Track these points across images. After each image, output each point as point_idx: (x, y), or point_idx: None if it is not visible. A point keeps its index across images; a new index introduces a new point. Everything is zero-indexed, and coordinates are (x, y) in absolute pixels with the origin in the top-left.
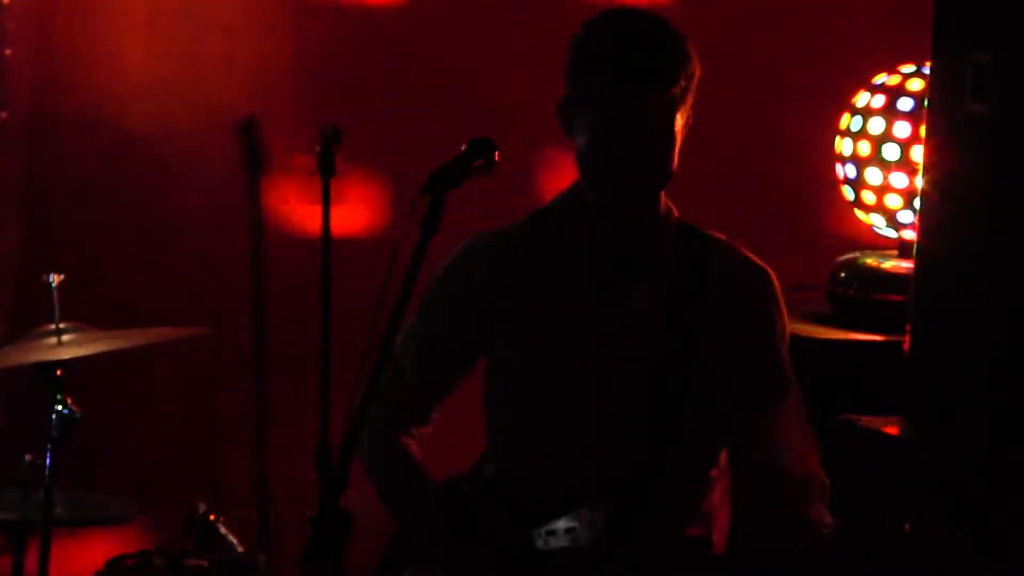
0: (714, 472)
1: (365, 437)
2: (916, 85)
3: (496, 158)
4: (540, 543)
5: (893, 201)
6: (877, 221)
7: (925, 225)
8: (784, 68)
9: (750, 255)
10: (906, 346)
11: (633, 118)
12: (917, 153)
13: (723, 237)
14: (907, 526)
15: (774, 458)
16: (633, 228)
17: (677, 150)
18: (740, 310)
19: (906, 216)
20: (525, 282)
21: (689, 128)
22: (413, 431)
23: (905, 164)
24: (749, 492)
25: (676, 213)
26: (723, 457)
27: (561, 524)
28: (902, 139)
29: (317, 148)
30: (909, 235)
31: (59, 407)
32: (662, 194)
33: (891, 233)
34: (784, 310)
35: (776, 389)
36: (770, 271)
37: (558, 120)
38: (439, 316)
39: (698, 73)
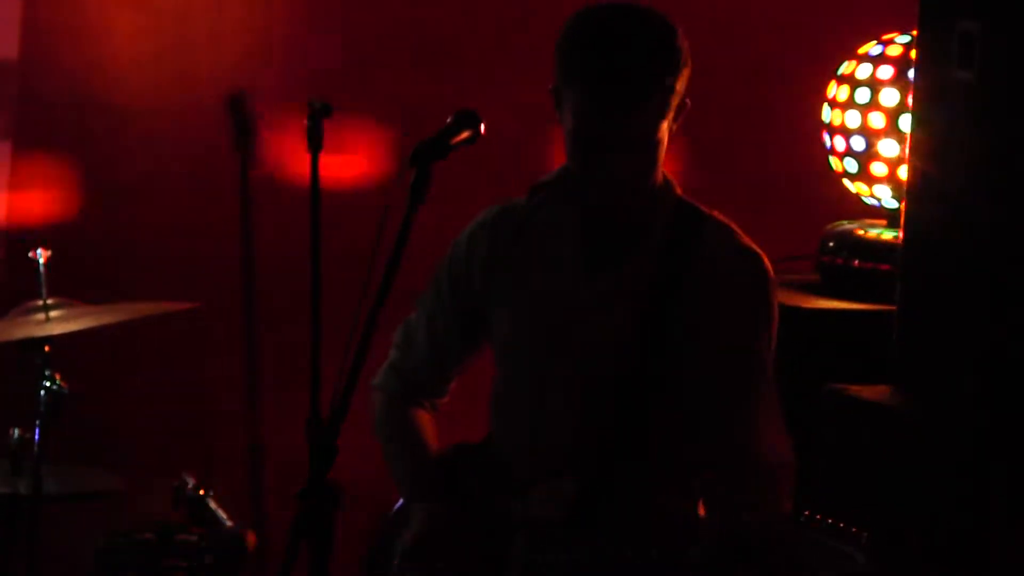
0: None
1: (379, 406)
2: (895, 52)
3: (482, 130)
4: (516, 511)
5: (878, 169)
6: (863, 190)
7: (912, 193)
8: (773, 36)
9: (744, 238)
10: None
11: (611, 128)
12: (900, 122)
13: (723, 218)
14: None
15: (746, 443)
16: (622, 206)
17: (663, 147)
18: (724, 291)
19: (886, 188)
20: (520, 253)
21: (686, 112)
22: (426, 403)
23: (889, 132)
24: (718, 472)
25: (678, 190)
26: None
27: (537, 493)
28: (886, 108)
29: (306, 121)
30: (894, 204)
31: (47, 383)
32: (663, 170)
33: (875, 202)
34: (772, 298)
35: (752, 373)
36: (763, 256)
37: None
38: (447, 289)
39: (687, 69)
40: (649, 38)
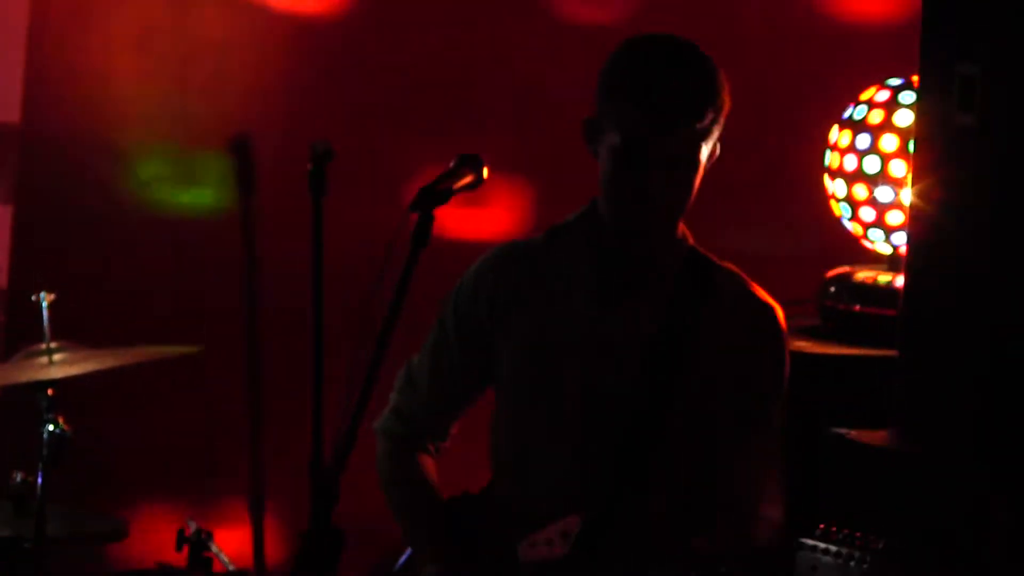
0: None
1: (382, 451)
2: (907, 98)
3: (485, 173)
4: (521, 553)
5: (867, 215)
6: (861, 233)
7: (914, 237)
8: (777, 81)
9: (758, 289)
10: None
11: (657, 148)
12: (893, 167)
13: (736, 269)
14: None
15: (732, 490)
16: (640, 245)
17: (699, 182)
18: (736, 342)
19: (880, 233)
20: (529, 293)
21: (715, 158)
22: (429, 446)
23: (882, 177)
24: (705, 515)
25: (691, 240)
26: None
27: (541, 535)
28: (883, 152)
29: (308, 165)
30: (888, 249)
31: (50, 426)
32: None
33: (882, 247)
34: (785, 348)
35: (754, 423)
36: (776, 307)
37: (583, 137)
38: (452, 329)
39: (727, 106)
40: (700, 66)
